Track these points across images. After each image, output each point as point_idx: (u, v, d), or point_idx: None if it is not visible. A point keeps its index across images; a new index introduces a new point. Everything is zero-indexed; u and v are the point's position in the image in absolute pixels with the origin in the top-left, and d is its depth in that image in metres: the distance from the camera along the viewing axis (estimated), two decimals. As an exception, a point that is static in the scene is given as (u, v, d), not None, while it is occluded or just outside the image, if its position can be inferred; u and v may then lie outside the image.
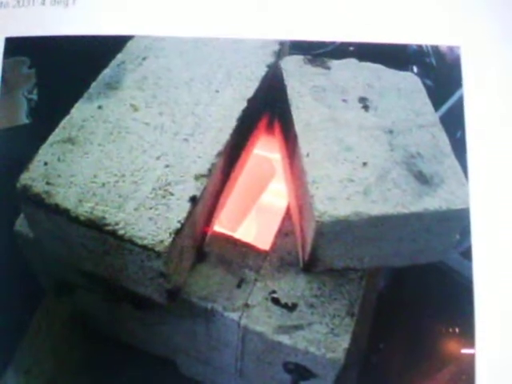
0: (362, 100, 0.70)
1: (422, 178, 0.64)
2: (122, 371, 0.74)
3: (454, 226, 0.65)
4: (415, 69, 0.80)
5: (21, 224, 0.69)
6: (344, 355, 0.62)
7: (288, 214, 0.73)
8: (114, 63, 0.72)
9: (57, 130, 0.66)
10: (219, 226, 0.73)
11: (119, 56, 0.72)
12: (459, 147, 0.66)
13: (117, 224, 0.59)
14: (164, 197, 0.61)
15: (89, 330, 0.78)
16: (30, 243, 0.69)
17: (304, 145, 0.66)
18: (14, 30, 0.69)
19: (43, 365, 0.74)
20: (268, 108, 0.77)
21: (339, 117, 0.68)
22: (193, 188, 0.62)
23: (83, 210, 0.60)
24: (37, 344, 0.75)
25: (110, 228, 0.59)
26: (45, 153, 0.64)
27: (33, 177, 0.62)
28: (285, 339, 0.63)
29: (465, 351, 0.65)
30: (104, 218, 0.59)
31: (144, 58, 0.73)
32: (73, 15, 0.68)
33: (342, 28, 0.68)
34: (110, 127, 0.66)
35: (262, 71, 0.72)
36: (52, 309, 0.76)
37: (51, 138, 0.65)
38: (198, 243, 0.68)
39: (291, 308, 0.65)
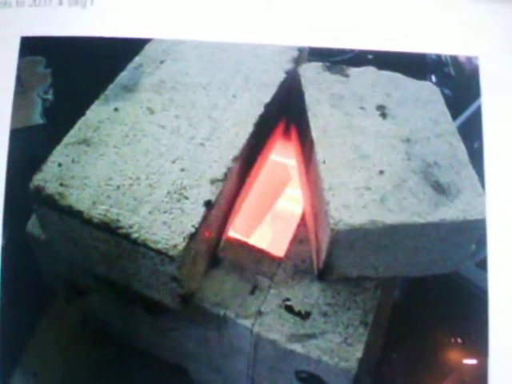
0: (380, 108, 0.70)
1: (439, 188, 0.64)
2: (133, 377, 0.73)
3: (470, 236, 0.64)
4: (434, 78, 0.79)
5: (33, 225, 0.69)
6: (357, 365, 0.61)
7: (303, 221, 0.72)
8: (131, 66, 0.72)
9: (72, 131, 0.66)
10: (234, 232, 0.73)
11: (137, 59, 0.72)
12: (477, 157, 0.65)
13: (131, 227, 0.59)
14: (179, 201, 0.61)
15: (99, 334, 0.77)
16: (41, 245, 0.69)
17: (320, 151, 0.65)
18: (30, 30, 0.68)
19: (51, 368, 0.73)
20: (285, 114, 0.77)
21: (356, 124, 0.68)
22: (208, 192, 0.62)
23: (97, 212, 0.59)
24: (45, 347, 0.74)
25: (123, 231, 0.59)
26: (59, 154, 0.64)
27: (46, 178, 0.62)
28: (298, 347, 0.62)
29: (479, 362, 0.65)
30: (118, 220, 0.59)
31: (162, 62, 0.72)
32: (90, 16, 0.68)
33: (361, 36, 0.67)
34: (125, 130, 0.66)
35: (279, 77, 0.72)
36: (62, 312, 0.76)
37: (66, 139, 0.65)
38: (212, 248, 0.67)
39: (304, 316, 0.64)
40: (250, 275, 0.68)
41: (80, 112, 0.67)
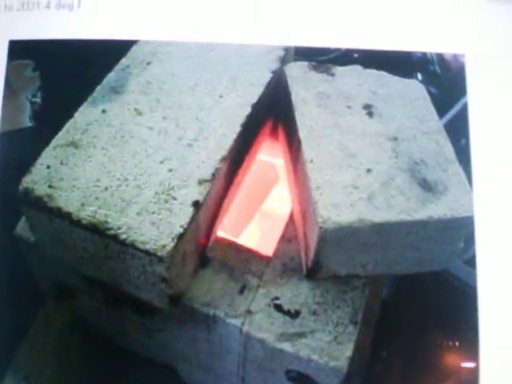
0: (367, 107, 0.70)
1: (426, 186, 0.64)
2: (123, 377, 0.73)
3: (458, 234, 0.64)
4: (419, 76, 0.80)
5: (22, 227, 0.69)
6: (347, 364, 0.61)
7: (291, 220, 0.72)
8: (118, 67, 0.72)
9: (60, 134, 0.66)
10: (222, 232, 0.73)
11: (124, 60, 0.73)
12: (463, 155, 0.66)
13: (119, 228, 0.59)
14: (167, 201, 0.61)
15: (89, 335, 0.77)
16: (31, 247, 0.69)
17: (308, 151, 0.65)
18: (18, 33, 0.69)
19: (42, 370, 0.73)
20: (272, 113, 0.77)
21: (343, 123, 0.68)
22: (196, 193, 0.62)
23: (85, 213, 0.59)
24: (36, 349, 0.74)
25: (112, 232, 0.59)
26: (48, 156, 0.64)
27: (35, 180, 0.62)
28: (287, 347, 0.62)
29: (468, 360, 0.65)
30: (106, 222, 0.59)
31: (148, 63, 0.73)
32: (78, 19, 0.68)
33: (347, 35, 0.68)
34: (113, 131, 0.66)
35: (266, 77, 0.72)
36: (52, 313, 0.76)
37: (54, 142, 0.65)
38: (201, 248, 0.67)
39: (294, 315, 0.64)
40: (238, 275, 0.68)
41: (68, 114, 0.67)
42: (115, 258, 0.60)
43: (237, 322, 0.64)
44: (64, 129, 0.66)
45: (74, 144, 0.65)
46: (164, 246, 0.58)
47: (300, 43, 0.69)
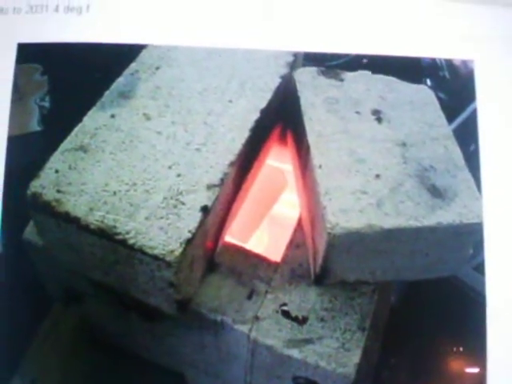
0: (375, 112, 0.70)
1: (436, 192, 0.64)
2: (129, 383, 0.73)
3: (467, 240, 0.64)
4: (429, 82, 0.79)
5: (30, 232, 0.69)
6: (355, 370, 0.61)
7: (300, 226, 0.72)
8: (127, 72, 0.72)
9: (69, 138, 0.66)
10: (230, 237, 0.73)
11: (133, 65, 0.73)
12: (472, 161, 0.65)
13: (127, 233, 0.59)
14: (175, 206, 0.61)
15: (96, 340, 0.77)
16: (39, 251, 0.69)
17: (317, 156, 0.65)
18: (26, 37, 0.69)
19: (49, 374, 0.73)
20: (281, 119, 0.77)
21: (352, 128, 0.68)
22: (204, 198, 0.62)
23: (94, 218, 0.59)
24: (44, 353, 0.74)
25: (120, 237, 0.59)
26: (56, 160, 0.64)
27: (43, 184, 0.62)
28: (295, 353, 0.62)
29: (476, 367, 0.64)
30: (115, 226, 0.59)
31: (157, 68, 0.73)
32: (86, 23, 0.68)
33: (356, 40, 0.68)
34: (122, 136, 0.66)
35: (275, 82, 0.72)
36: (60, 318, 0.76)
37: (63, 146, 0.65)
38: (209, 254, 0.67)
39: (302, 321, 0.64)
40: (246, 280, 0.67)
41: (77, 119, 0.67)
42: (123, 263, 0.60)
43: (244, 328, 0.64)
44: (73, 133, 0.66)
45: (82, 148, 0.65)
46: (172, 251, 0.58)
47: (309, 49, 0.69)
